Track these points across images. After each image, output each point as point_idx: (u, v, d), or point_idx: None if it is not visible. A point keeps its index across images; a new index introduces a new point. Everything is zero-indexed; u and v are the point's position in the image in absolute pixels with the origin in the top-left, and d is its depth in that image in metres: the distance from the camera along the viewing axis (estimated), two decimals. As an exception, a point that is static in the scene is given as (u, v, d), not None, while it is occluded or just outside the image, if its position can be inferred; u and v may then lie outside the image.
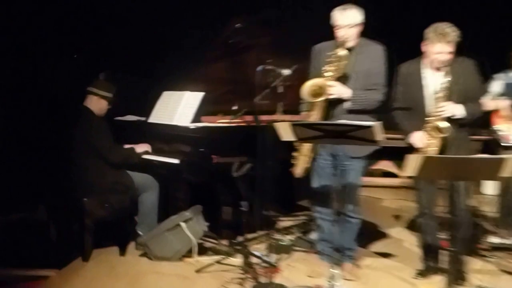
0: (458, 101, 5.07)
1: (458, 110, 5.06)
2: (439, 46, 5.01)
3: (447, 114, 5.04)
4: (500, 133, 6.35)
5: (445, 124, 4.99)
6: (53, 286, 5.15)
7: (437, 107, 5.05)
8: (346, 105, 5.18)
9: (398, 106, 5.34)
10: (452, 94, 5.04)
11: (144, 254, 5.85)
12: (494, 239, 6.29)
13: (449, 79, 4.99)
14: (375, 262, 5.90)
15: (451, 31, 4.98)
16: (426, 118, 5.10)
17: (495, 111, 6.31)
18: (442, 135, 5.03)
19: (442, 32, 4.99)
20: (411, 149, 5.12)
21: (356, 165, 5.34)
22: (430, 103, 5.13)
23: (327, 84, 5.07)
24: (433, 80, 5.14)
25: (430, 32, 5.05)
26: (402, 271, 5.61)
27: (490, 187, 8.09)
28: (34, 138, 6.34)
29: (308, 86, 5.08)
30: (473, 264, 5.71)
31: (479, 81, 5.37)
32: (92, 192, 5.78)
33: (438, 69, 5.09)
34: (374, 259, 5.97)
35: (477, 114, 5.29)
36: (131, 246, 6.01)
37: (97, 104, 5.99)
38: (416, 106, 5.23)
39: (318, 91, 5.07)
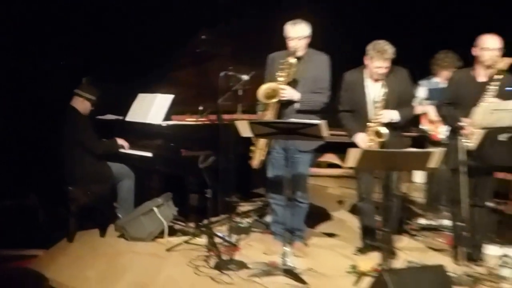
0: (393, 107, 5.19)
1: (394, 115, 5.19)
2: (378, 62, 5.11)
3: (385, 120, 5.16)
4: (428, 132, 6.41)
5: (384, 130, 5.11)
6: (41, 264, 5.09)
7: (377, 114, 5.16)
8: (296, 106, 5.25)
9: (344, 109, 5.42)
10: (389, 102, 5.15)
11: (122, 236, 5.86)
12: (422, 221, 6.40)
13: (386, 91, 5.09)
14: (321, 241, 5.96)
15: (388, 49, 5.08)
16: (368, 123, 5.20)
17: (424, 113, 6.38)
18: (381, 140, 5.14)
19: (380, 50, 5.09)
20: (352, 144, 5.19)
21: (305, 157, 5.42)
22: (371, 108, 5.23)
23: (279, 88, 5.13)
24: (373, 89, 5.25)
25: (370, 49, 5.14)
26: (344, 248, 5.69)
27: (418, 176, 8.15)
28: (27, 135, 6.25)
29: (263, 89, 5.15)
30: (404, 242, 5.85)
31: (411, 88, 5.51)
32: (76, 181, 5.80)
33: (377, 80, 5.21)
34: (320, 238, 6.03)
35: (410, 117, 5.43)
36: (110, 228, 6.00)
37: (82, 104, 6.00)
38: (359, 110, 5.33)
39: (272, 94, 5.14)
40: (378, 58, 5.11)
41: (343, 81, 5.46)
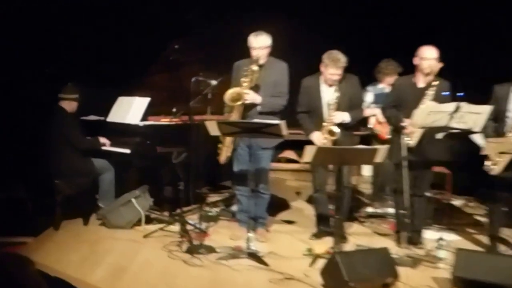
0: (345, 109, 5.22)
1: (345, 117, 5.22)
2: (332, 69, 5.14)
3: (338, 120, 5.20)
4: (375, 131, 6.44)
5: (337, 129, 5.15)
6: (30, 250, 5.04)
7: (330, 115, 5.20)
8: (258, 108, 5.27)
9: (301, 110, 5.44)
10: (341, 105, 5.19)
11: (103, 224, 5.81)
12: (369, 209, 6.45)
13: (338, 95, 5.14)
14: (281, 227, 5.98)
15: (341, 58, 5.12)
16: (323, 123, 5.23)
17: (373, 115, 6.38)
18: (334, 138, 5.18)
19: (334, 59, 5.12)
20: (308, 142, 5.18)
21: (266, 153, 5.44)
22: (325, 110, 5.26)
23: (243, 92, 5.15)
24: (328, 93, 5.26)
25: (325, 58, 5.17)
26: (301, 234, 5.70)
27: (366, 170, 8.18)
28: (16, 133, 6.21)
29: (229, 93, 5.16)
30: (354, 228, 5.91)
31: (360, 93, 5.56)
32: (62, 175, 5.75)
33: (331, 85, 5.24)
34: (280, 225, 6.06)
35: (359, 118, 5.49)
36: (93, 217, 5.96)
37: (69, 105, 5.94)
38: (315, 111, 5.35)
39: (237, 97, 5.16)
40: (332, 66, 5.14)
41: (301, 85, 5.47)
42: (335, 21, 8.29)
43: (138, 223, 5.79)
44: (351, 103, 5.30)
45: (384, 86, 6.45)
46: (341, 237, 5.22)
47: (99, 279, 4.53)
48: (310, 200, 6.52)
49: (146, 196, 5.94)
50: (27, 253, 4.85)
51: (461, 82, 5.23)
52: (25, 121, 6.34)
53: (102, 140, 6.11)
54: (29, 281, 1.77)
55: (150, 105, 6.18)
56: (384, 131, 6.26)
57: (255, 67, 5.19)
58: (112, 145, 6.16)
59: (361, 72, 5.61)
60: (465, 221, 6.35)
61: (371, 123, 6.49)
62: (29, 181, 5.93)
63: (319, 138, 5.27)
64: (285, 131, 4.77)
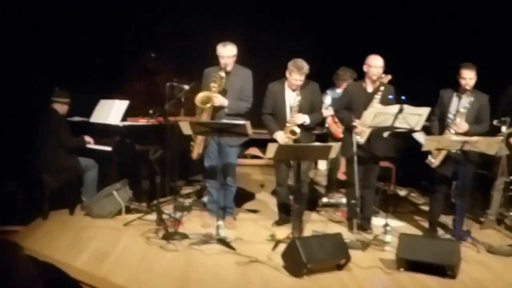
0: (306, 112, 5.23)
1: (306, 119, 5.23)
2: (296, 75, 5.13)
3: (299, 122, 5.21)
4: (331, 130, 6.45)
5: (298, 130, 5.16)
6: (20, 237, 4.96)
7: (293, 117, 5.20)
8: (226, 110, 5.25)
9: (267, 112, 5.41)
10: (302, 108, 5.20)
11: (87, 214, 5.72)
12: (324, 199, 6.45)
13: (300, 98, 5.14)
14: (246, 216, 5.98)
15: (305, 65, 5.12)
16: (287, 123, 5.23)
17: (332, 116, 6.35)
18: (295, 137, 5.19)
19: (298, 67, 5.11)
20: (271, 140, 5.20)
21: (234, 150, 5.41)
22: (288, 113, 5.26)
23: (213, 96, 5.13)
24: (291, 97, 5.25)
25: (290, 65, 5.16)
26: (265, 221, 5.71)
27: (322, 164, 8.16)
28: (7, 132, 6.09)
29: (199, 97, 5.15)
30: (311, 216, 5.93)
31: (320, 98, 5.54)
32: (50, 170, 5.65)
33: (294, 90, 5.23)
34: (246, 214, 6.05)
35: (318, 120, 5.50)
36: (78, 208, 5.87)
37: (61, 107, 5.83)
38: (279, 113, 5.33)
39: (206, 100, 5.14)
40: (296, 72, 5.13)
41: (267, 89, 5.44)
42: (298, 33, 8.38)
43: (119, 213, 5.71)
44: (311, 106, 5.31)
45: (342, 90, 6.43)
46: (300, 224, 5.22)
47: (84, 263, 4.47)
48: (273, 192, 6.51)
49: (126, 188, 5.86)
50: (17, 240, 4.76)
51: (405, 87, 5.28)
52: (16, 121, 6.20)
53: (87, 139, 6.01)
54: (18, 265, 1.72)
55: (129, 108, 6.10)
56: (339, 130, 6.26)
57: (222, 74, 5.17)
58: (95, 143, 6.06)
59: (321, 77, 5.66)
60: (408, 209, 6.46)
61: (327, 122, 6.50)
62: (19, 176, 5.81)
63: (282, 137, 5.25)
64: (250, 130, 4.79)
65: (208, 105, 5.18)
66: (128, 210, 5.82)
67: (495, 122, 5.27)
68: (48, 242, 4.96)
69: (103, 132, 6.07)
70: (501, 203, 5.51)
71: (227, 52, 5.22)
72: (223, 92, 5.25)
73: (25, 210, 5.64)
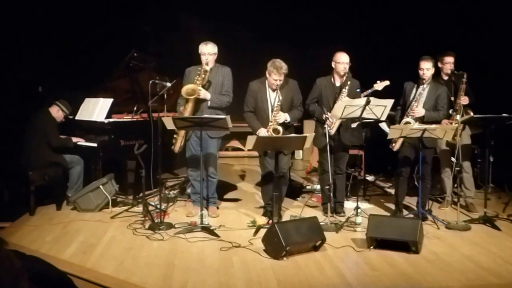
0: (287, 110, 5.13)
1: (287, 117, 5.12)
2: (275, 75, 5.01)
3: (281, 121, 5.09)
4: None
5: (280, 129, 5.05)
6: (8, 233, 4.73)
7: (275, 116, 5.07)
8: (208, 103, 5.17)
9: (248, 110, 5.27)
10: (283, 106, 5.09)
11: (74, 208, 5.52)
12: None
13: (281, 98, 5.04)
14: (228, 204, 5.91)
15: (283, 66, 5.00)
16: (269, 122, 5.09)
17: None
18: (278, 135, 5.04)
19: (276, 67, 4.99)
20: (250, 132, 5.09)
21: (215, 143, 5.32)
22: (270, 111, 5.13)
23: (198, 88, 5.07)
24: (273, 96, 5.14)
25: (270, 65, 5.04)
26: (246, 209, 5.66)
27: (299, 154, 8.26)
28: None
29: (186, 88, 5.10)
30: (289, 202, 5.88)
31: (299, 95, 5.36)
32: (35, 167, 5.42)
33: (274, 90, 5.12)
34: (228, 203, 5.97)
35: (298, 117, 5.37)
36: (64, 203, 5.66)
37: (56, 112, 5.66)
38: (261, 112, 5.20)
39: (192, 92, 5.07)
40: (276, 73, 5.01)
41: (248, 88, 5.30)
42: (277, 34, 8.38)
43: (106, 206, 5.53)
44: (291, 104, 5.20)
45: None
46: (279, 210, 5.16)
47: (71, 255, 4.29)
48: (252, 181, 6.46)
49: (112, 182, 5.68)
50: (4, 236, 4.53)
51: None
52: (2, 121, 5.98)
53: (75, 139, 5.82)
54: (1, 259, 1.56)
55: (113, 105, 6.00)
56: None
57: (206, 67, 5.11)
58: (81, 139, 5.89)
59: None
60: (376, 193, 6.55)
61: None
62: (5, 173, 5.56)
63: (265, 135, 5.11)
64: (230, 124, 4.72)
65: (193, 96, 5.08)
66: (115, 203, 5.67)
67: (450, 111, 5.36)
68: (35, 236, 4.74)
69: (88, 129, 5.94)
70: (457, 183, 5.53)
71: (208, 49, 5.16)
72: (207, 84, 5.17)
73: (11, 206, 5.43)
